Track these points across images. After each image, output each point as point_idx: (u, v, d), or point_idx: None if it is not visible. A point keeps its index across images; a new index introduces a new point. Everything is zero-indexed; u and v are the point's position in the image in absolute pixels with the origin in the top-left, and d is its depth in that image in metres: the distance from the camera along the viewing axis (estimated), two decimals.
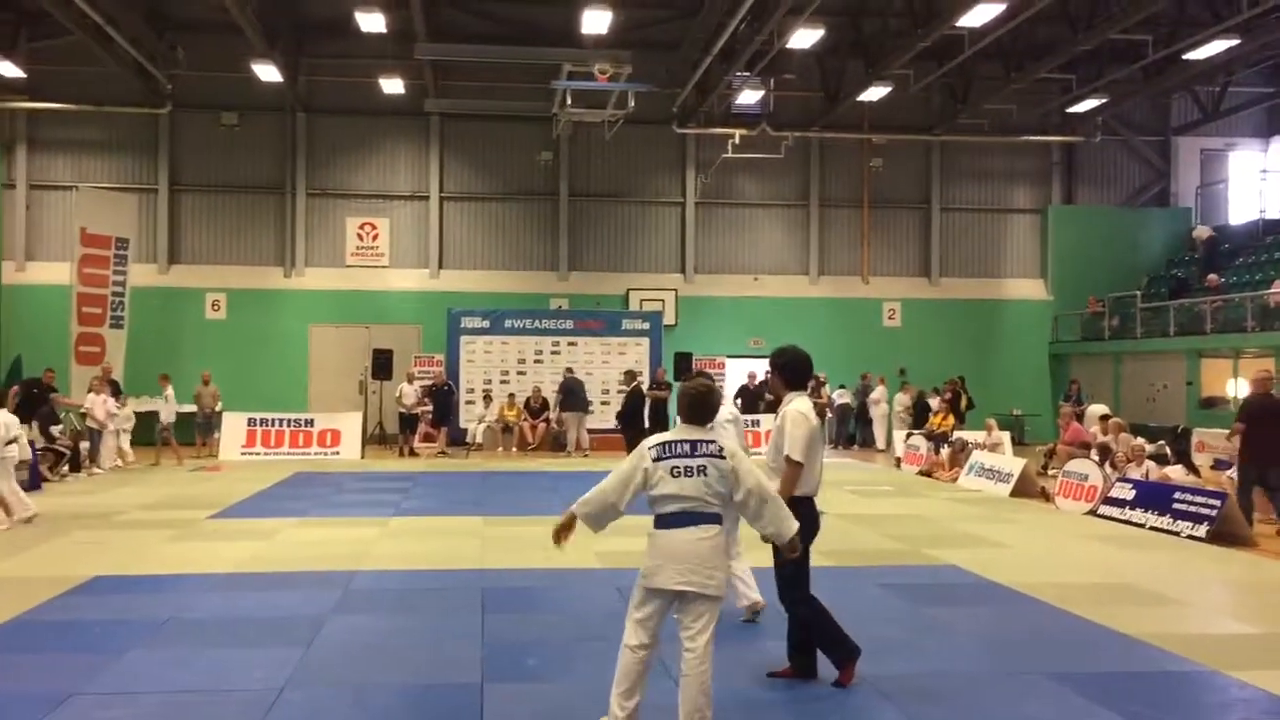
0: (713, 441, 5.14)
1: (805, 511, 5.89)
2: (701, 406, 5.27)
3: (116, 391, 19.51)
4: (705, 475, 5.03)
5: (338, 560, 9.85)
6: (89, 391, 18.46)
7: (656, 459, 5.07)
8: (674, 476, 5.02)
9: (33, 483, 15.25)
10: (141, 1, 21.88)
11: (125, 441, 19.11)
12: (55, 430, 17.69)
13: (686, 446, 5.09)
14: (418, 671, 6.36)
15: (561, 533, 5.25)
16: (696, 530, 4.99)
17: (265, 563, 9.80)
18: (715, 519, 5.05)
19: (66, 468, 17.23)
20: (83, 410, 18.55)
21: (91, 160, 25.27)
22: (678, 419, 5.42)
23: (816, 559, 6.34)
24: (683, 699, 5.00)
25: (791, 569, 6.00)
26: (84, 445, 18.12)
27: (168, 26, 23.74)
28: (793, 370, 6.21)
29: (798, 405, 6.04)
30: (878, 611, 8.03)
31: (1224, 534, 11.48)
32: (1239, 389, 21.14)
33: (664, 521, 5.04)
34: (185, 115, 25.05)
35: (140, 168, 25.37)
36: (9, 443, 11.86)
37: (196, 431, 21.48)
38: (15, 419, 12.37)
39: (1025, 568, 9.78)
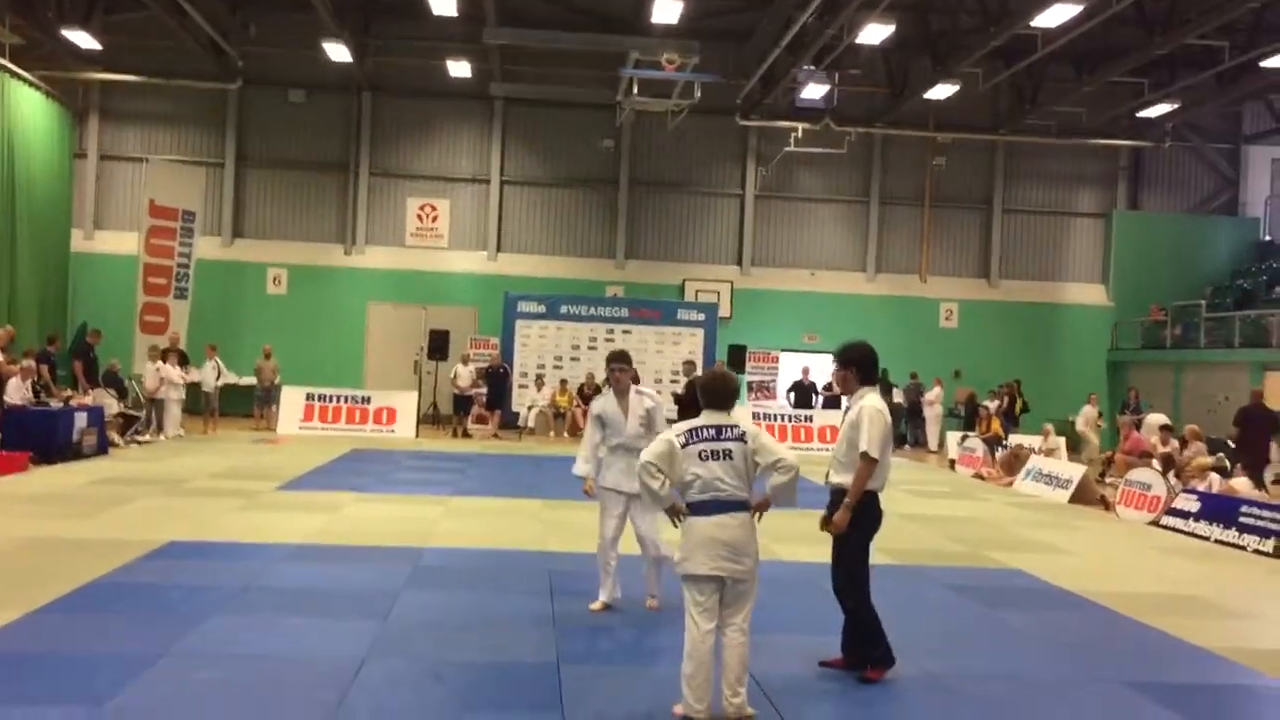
0: (736, 426, 5.33)
1: (870, 506, 6.01)
2: (722, 391, 5.46)
3: (184, 361, 19.80)
4: (730, 459, 5.23)
5: (404, 536, 9.96)
6: (149, 361, 18.77)
7: (684, 444, 5.26)
8: (701, 460, 5.22)
9: (100, 446, 15.58)
10: None
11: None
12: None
13: (712, 431, 5.29)
14: (494, 649, 6.42)
15: (676, 515, 5.41)
16: (723, 517, 5.18)
17: (334, 536, 9.93)
18: (742, 505, 5.23)
19: (132, 433, 17.57)
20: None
21: (161, 133, 25.67)
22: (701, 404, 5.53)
23: (879, 556, 6.36)
24: (725, 668, 5.21)
25: (851, 563, 6.03)
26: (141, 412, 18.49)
27: (240, 2, 24.00)
28: (864, 365, 6.21)
29: (873, 401, 6.03)
30: (947, 612, 8.01)
31: None
32: None
33: (693, 509, 5.24)
34: (254, 91, 25.35)
35: (208, 142, 25.74)
36: None
37: (255, 404, 21.89)
38: None
39: (1092, 575, 9.68)
